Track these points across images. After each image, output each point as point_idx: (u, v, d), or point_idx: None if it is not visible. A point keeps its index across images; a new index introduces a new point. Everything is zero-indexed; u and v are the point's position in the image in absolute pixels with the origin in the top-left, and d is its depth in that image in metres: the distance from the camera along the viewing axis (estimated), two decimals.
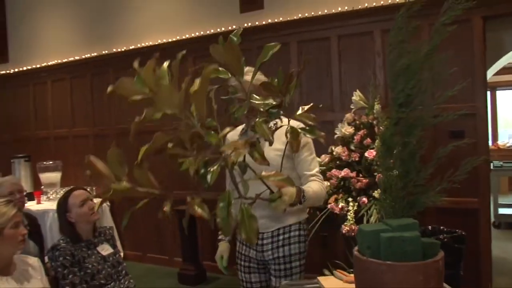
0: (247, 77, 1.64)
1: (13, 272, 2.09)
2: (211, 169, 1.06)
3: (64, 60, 6.09)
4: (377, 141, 3.30)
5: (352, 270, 1.70)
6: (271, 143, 1.16)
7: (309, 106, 1.30)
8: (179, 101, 1.00)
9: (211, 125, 1.10)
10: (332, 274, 1.89)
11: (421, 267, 1.18)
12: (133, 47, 5.43)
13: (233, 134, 2.25)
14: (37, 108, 6.57)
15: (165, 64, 1.07)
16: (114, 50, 5.58)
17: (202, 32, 4.90)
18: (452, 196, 3.53)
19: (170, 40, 5.11)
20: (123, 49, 5.52)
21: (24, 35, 6.63)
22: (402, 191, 1.38)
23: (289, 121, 1.27)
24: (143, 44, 5.36)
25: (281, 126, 1.42)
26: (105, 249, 2.58)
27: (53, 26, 6.36)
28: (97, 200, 2.01)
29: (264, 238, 2.28)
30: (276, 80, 1.22)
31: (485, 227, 3.75)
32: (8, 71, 6.75)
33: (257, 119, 1.18)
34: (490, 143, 9.39)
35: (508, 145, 9.70)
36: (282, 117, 1.93)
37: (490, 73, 5.25)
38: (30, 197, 5.47)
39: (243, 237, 1.03)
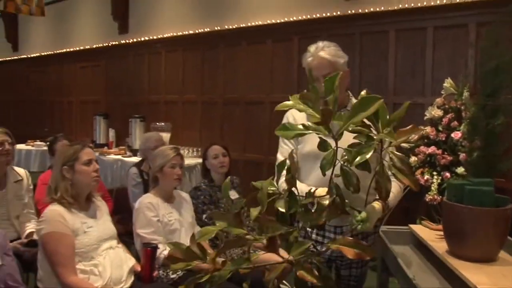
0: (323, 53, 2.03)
1: (174, 201, 2.81)
2: None
3: (178, 34, 6.86)
4: (463, 124, 3.72)
5: (436, 224, 2.19)
6: None
7: (409, 128, 1.29)
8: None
9: None
10: (421, 224, 2.38)
11: (492, 212, 1.68)
12: (243, 25, 6.04)
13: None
14: (151, 75, 7.45)
15: None
16: (226, 27, 6.24)
17: (308, 16, 5.42)
18: None
19: (278, 21, 5.69)
20: (234, 26, 6.15)
21: (143, 8, 7.49)
22: (483, 159, 1.88)
23: None
24: (253, 23, 5.96)
25: None
26: (233, 195, 3.26)
27: (169, 0, 7.13)
28: None
29: (343, 232, 2.21)
30: None
31: None
32: (127, 41, 7.67)
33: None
34: None
35: None
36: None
37: None
38: None
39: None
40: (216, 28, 6.37)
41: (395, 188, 2.19)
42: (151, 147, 3.83)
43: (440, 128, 4.08)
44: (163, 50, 7.22)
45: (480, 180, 1.80)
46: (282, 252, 1.18)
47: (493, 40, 1.93)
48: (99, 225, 2.29)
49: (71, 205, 2.21)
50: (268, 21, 5.79)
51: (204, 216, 3.05)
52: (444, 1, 4.50)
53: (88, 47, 8.44)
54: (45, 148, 7.21)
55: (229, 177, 3.20)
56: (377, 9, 4.89)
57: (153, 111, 7.24)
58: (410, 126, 1.31)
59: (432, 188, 3.71)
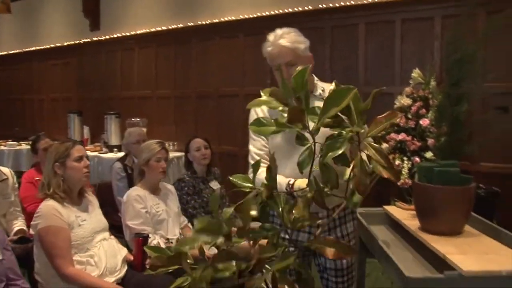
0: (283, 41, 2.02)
1: (160, 193, 2.92)
2: None
3: (151, 30, 6.91)
4: (431, 111, 3.95)
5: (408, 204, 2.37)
6: None
7: (386, 114, 1.21)
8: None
9: None
10: (395, 205, 2.56)
11: (458, 190, 1.85)
12: (216, 20, 6.15)
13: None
14: (124, 71, 7.48)
15: None
16: (199, 22, 6.33)
17: (280, 10, 5.55)
18: (495, 162, 4.18)
19: (250, 16, 5.81)
20: (207, 22, 6.25)
21: (114, 5, 7.49)
22: (450, 143, 2.07)
23: None
24: (225, 18, 6.07)
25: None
26: (214, 185, 3.39)
27: None
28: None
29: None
30: None
31: None
32: (99, 38, 7.66)
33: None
34: None
35: None
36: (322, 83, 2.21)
37: None
38: (119, 148, 6.40)
39: None
40: (189, 24, 6.44)
41: None
42: (133, 142, 3.96)
43: (409, 116, 4.30)
44: (136, 47, 7.25)
45: (447, 162, 1.97)
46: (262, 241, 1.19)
47: (458, 33, 2.11)
48: (92, 218, 2.39)
49: (63, 200, 2.30)
50: (241, 16, 5.91)
51: (188, 206, 3.18)
52: None
53: (59, 44, 8.37)
54: (18, 148, 7.22)
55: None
56: (347, 3, 5.05)
57: (127, 107, 7.27)
58: (387, 112, 1.25)
59: (403, 172, 3.93)
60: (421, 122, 4.10)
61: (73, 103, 8.28)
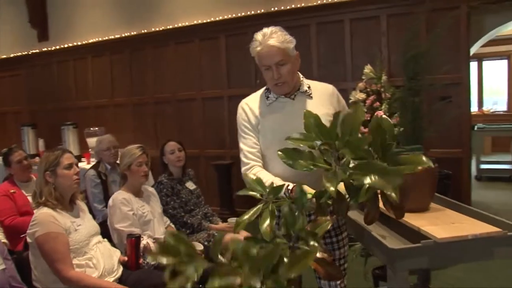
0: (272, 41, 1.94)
1: (143, 196, 3.05)
2: None
3: (104, 38, 6.92)
4: (384, 104, 4.28)
5: None
6: None
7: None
8: None
9: None
10: None
11: (425, 171, 2.11)
12: (170, 26, 6.27)
13: (253, 101, 2.24)
14: (78, 80, 7.43)
15: None
16: (153, 29, 6.42)
17: (234, 14, 5.76)
18: (444, 148, 4.57)
19: (204, 21, 5.98)
20: (161, 28, 6.36)
21: (63, 14, 7.43)
22: (412, 130, 2.36)
23: None
24: (179, 24, 6.20)
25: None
26: (191, 185, 3.54)
27: (91, 5, 7.14)
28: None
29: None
30: None
31: (465, 171, 4.76)
32: (49, 48, 7.58)
33: None
34: (476, 109, 10.39)
35: (492, 110, 10.71)
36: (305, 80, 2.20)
37: (478, 45, 6.20)
38: (79, 158, 6.40)
39: None
40: (143, 31, 6.52)
41: None
42: (104, 149, 4.07)
43: (364, 109, 4.63)
44: (89, 55, 7.23)
45: (412, 147, 2.25)
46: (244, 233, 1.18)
47: (412, 33, 2.40)
48: (86, 222, 2.49)
49: (56, 207, 2.39)
50: (195, 22, 6.06)
51: (168, 207, 3.32)
52: None
53: (5, 56, 8.22)
54: None
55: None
56: (298, 5, 5.33)
57: (83, 117, 7.22)
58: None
59: None
60: (376, 114, 4.43)
61: (24, 116, 8.12)
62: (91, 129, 6.75)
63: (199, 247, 2.99)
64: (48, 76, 7.73)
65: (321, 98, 2.17)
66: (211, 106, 6.21)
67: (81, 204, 2.59)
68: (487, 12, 5.13)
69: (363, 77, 4.71)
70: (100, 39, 7.00)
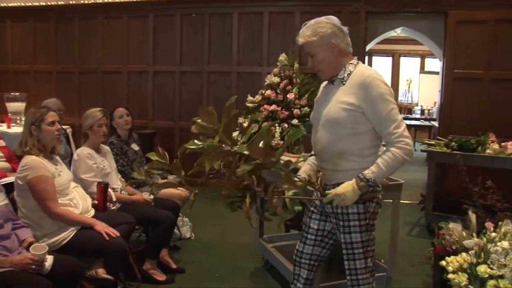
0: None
1: (101, 152, 3.60)
2: None
3: (27, 4, 7.01)
4: (295, 87, 5.15)
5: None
6: None
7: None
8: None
9: None
10: None
11: None
12: (99, 1, 6.60)
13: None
14: None
15: None
16: (82, 1, 6.71)
17: None
18: None
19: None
20: (90, 1, 6.66)
21: None
22: None
23: None
24: (109, 0, 6.56)
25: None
26: (135, 147, 4.13)
27: None
28: None
29: (326, 189, 2.19)
30: None
31: None
32: None
33: None
34: None
35: None
36: (357, 63, 2.21)
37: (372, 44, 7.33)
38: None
39: None
40: (70, 2, 6.77)
41: (387, 156, 2.05)
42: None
43: (278, 91, 5.47)
44: (8, 20, 7.28)
45: None
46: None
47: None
48: (64, 170, 2.99)
49: (38, 155, 2.86)
50: None
51: (118, 164, 3.89)
52: None
53: None
54: None
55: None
56: None
57: (1, 81, 7.30)
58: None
59: (276, 135, 5.10)
60: (288, 96, 5.29)
61: None
62: (11, 94, 6.86)
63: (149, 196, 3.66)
64: None
65: (350, 86, 2.14)
66: (136, 80, 6.70)
67: (58, 157, 3.10)
68: (381, 19, 6.21)
69: (278, 64, 5.54)
70: (22, 4, 7.08)
